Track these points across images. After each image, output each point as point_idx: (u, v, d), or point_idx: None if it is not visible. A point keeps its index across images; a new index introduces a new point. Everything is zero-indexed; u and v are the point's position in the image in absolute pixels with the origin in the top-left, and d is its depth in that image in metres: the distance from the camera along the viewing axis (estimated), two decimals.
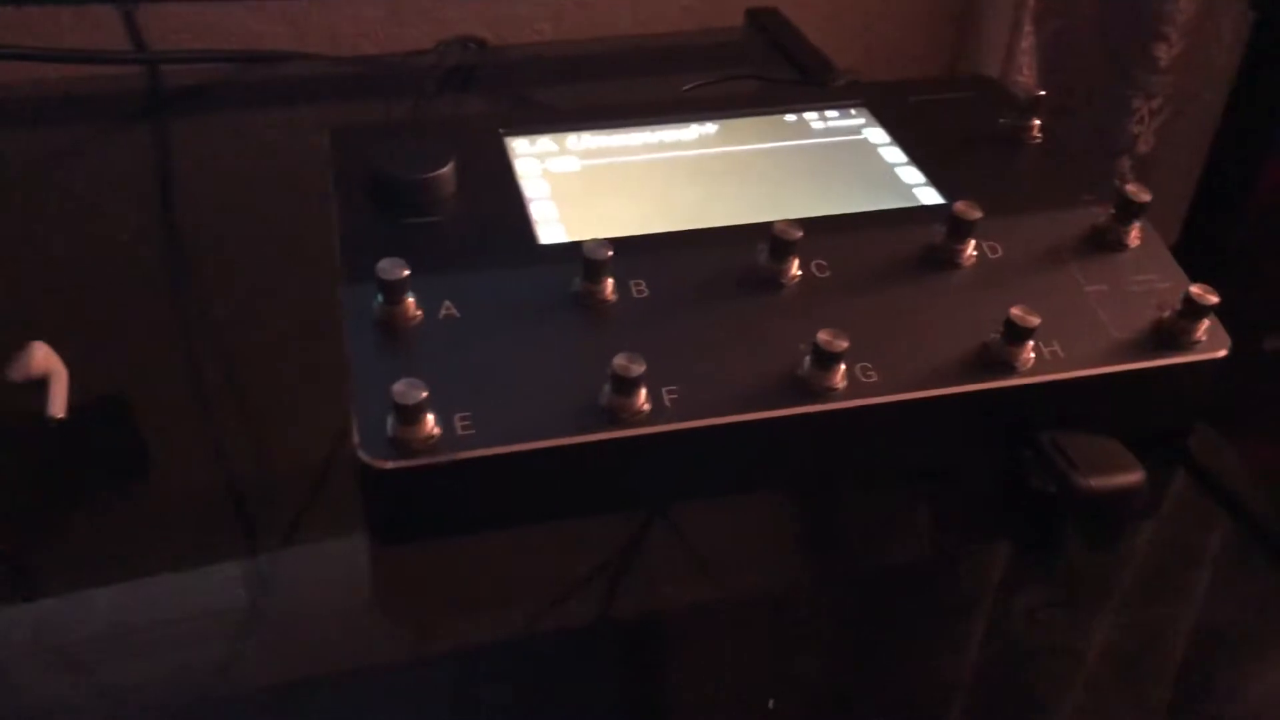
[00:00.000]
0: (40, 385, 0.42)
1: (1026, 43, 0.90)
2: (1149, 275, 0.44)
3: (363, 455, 0.35)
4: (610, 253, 0.40)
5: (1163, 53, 0.91)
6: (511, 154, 0.48)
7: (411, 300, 0.39)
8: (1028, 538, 0.41)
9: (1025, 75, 0.90)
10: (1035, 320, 0.39)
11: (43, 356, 0.42)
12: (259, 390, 0.46)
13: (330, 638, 0.37)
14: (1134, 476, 0.39)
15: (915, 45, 0.91)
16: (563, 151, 0.49)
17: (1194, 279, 0.43)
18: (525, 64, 0.70)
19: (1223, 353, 0.42)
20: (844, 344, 0.38)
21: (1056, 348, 0.41)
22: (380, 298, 0.39)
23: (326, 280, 0.42)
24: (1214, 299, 0.41)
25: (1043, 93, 0.50)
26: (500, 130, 0.50)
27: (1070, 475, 0.39)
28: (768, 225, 0.42)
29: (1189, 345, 0.42)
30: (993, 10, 0.92)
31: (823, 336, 0.38)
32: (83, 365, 0.43)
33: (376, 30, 0.77)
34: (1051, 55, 0.93)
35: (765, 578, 0.40)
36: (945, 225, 0.43)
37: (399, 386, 0.35)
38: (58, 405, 0.41)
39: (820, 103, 0.53)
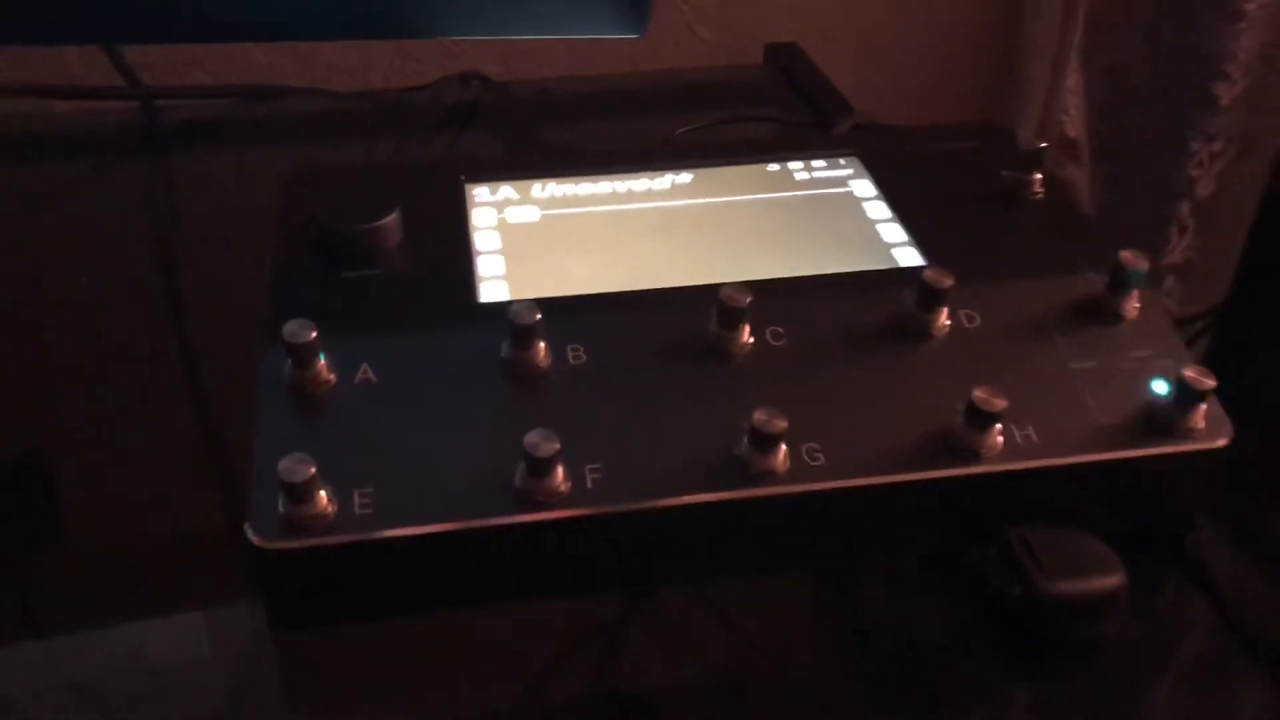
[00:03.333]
0: None
1: (1073, 80, 0.85)
2: (1145, 351, 0.40)
3: (250, 534, 0.33)
4: (538, 316, 0.37)
5: (1223, 91, 0.86)
6: (469, 202, 0.46)
7: (324, 364, 0.37)
8: (992, 644, 0.37)
9: (1071, 116, 0.86)
10: (1000, 404, 0.35)
11: None
12: (197, 449, 0.44)
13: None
14: (1111, 580, 0.35)
15: (954, 85, 0.87)
16: (524, 200, 0.46)
17: (1240, 340, 0.38)
18: (528, 101, 0.67)
19: (1223, 442, 0.37)
20: (782, 424, 0.35)
21: (1031, 432, 0.37)
22: (289, 361, 0.36)
23: None
24: (1210, 383, 0.37)
25: (1044, 145, 0.46)
26: (462, 176, 0.47)
27: (1033, 577, 0.35)
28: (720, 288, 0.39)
29: (1184, 433, 0.37)
30: (1036, 48, 0.87)
31: (759, 416, 0.35)
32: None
33: (386, 64, 0.75)
34: (1102, 95, 0.88)
35: (690, 672, 0.37)
36: (915, 292, 0.40)
37: (285, 463, 0.32)
38: None
39: (809, 151, 0.50)
